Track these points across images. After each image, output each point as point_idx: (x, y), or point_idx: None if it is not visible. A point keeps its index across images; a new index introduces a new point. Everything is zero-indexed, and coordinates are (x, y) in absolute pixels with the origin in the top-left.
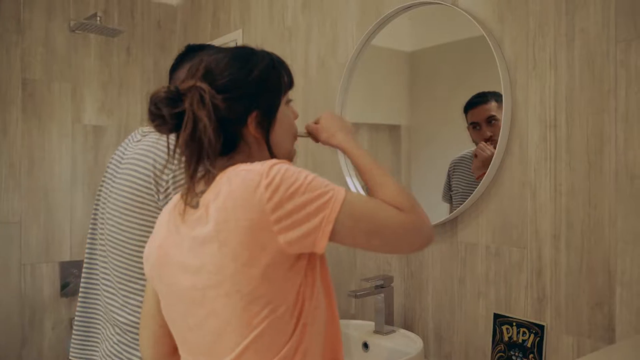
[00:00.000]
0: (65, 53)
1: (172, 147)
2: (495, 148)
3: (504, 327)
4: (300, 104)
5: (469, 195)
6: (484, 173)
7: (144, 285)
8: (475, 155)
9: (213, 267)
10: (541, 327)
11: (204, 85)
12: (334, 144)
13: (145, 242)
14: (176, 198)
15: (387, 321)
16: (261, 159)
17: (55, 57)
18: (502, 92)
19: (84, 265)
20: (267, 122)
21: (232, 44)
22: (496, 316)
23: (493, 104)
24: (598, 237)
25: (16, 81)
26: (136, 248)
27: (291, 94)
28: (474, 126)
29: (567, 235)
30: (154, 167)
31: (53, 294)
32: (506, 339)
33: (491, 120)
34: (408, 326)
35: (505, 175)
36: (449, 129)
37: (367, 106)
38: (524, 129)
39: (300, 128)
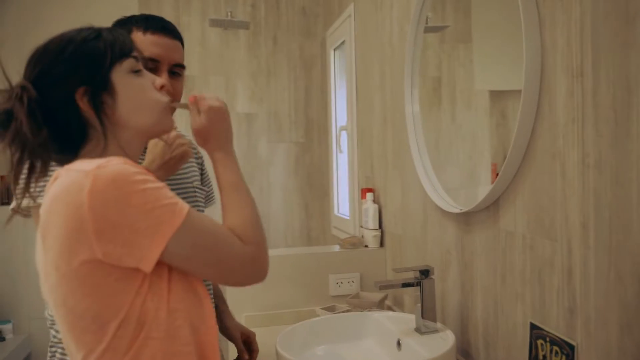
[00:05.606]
0: (219, 49)
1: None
2: None
3: (539, 342)
4: (388, 75)
5: None
6: None
7: None
8: None
9: (43, 274)
10: (572, 348)
11: (25, 82)
12: (207, 147)
13: None
14: None
15: (429, 317)
16: (120, 142)
17: (210, 54)
18: (523, 34)
19: None
20: (99, 95)
21: (349, 20)
22: (532, 327)
23: None
24: (626, 228)
25: None
26: None
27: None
28: None
29: (596, 224)
30: None
31: None
32: (540, 356)
33: None
34: (464, 326)
35: (537, 144)
36: None
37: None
38: (552, 82)
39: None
